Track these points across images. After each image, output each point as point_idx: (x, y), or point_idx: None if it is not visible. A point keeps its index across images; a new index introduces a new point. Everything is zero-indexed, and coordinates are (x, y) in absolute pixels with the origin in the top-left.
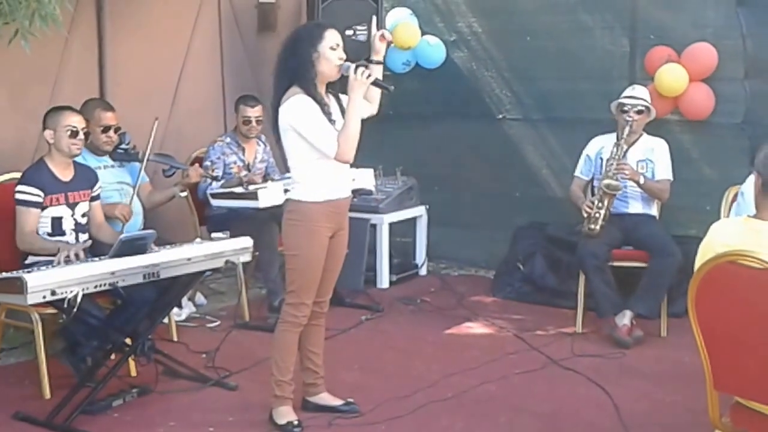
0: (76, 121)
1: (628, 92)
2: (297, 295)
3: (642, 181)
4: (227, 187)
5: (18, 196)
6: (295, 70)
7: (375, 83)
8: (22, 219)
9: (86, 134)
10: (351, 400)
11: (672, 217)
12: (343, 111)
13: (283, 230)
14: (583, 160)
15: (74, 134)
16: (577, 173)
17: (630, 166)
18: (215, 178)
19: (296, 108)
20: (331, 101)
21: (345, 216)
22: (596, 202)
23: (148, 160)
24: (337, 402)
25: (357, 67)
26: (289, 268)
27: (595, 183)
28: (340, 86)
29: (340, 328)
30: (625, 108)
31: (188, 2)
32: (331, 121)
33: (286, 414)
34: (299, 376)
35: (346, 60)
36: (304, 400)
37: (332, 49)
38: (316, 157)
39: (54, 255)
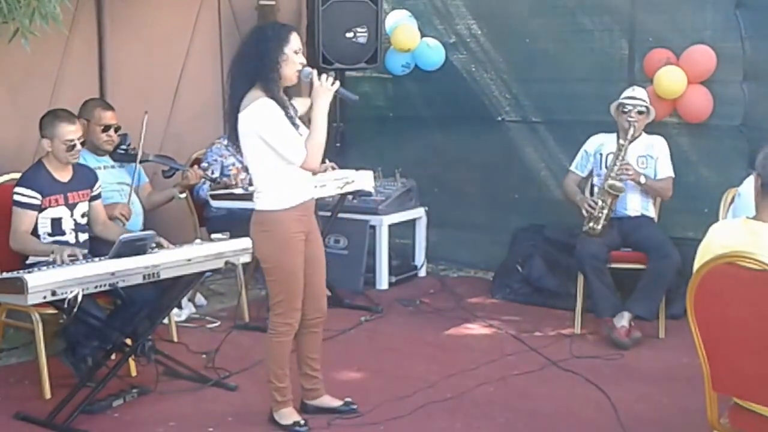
0: (73, 131)
1: (628, 93)
2: (287, 304)
3: (643, 181)
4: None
5: (15, 197)
6: (260, 71)
7: (339, 92)
8: (17, 220)
9: (83, 142)
10: (349, 399)
11: (670, 219)
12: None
13: (254, 243)
14: (581, 155)
15: (71, 147)
16: (572, 167)
17: (632, 166)
18: (214, 180)
19: (261, 113)
20: (291, 105)
21: (312, 218)
22: (600, 203)
23: (147, 160)
24: (336, 403)
25: (320, 73)
26: (270, 280)
27: (595, 180)
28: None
29: (340, 329)
30: (626, 108)
31: (188, 3)
32: (294, 126)
33: (290, 415)
34: (295, 376)
35: (305, 65)
36: (302, 402)
37: (296, 52)
38: (284, 162)
39: (47, 256)
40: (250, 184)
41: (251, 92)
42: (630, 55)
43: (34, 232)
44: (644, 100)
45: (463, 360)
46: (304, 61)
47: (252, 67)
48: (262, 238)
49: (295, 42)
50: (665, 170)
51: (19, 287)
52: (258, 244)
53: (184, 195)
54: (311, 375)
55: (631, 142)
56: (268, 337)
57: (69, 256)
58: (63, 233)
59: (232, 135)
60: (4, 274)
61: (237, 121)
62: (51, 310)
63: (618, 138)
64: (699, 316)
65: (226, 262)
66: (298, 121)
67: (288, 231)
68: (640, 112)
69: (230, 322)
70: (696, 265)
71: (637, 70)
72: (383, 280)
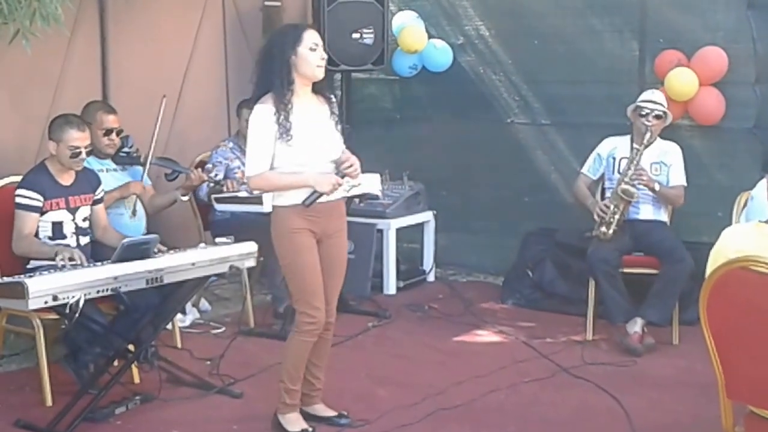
0: (80, 138)
1: (647, 96)
2: (305, 302)
3: (657, 188)
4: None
5: (17, 199)
6: (272, 75)
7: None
8: (20, 222)
9: (89, 152)
10: (344, 412)
11: (683, 223)
12: (332, 113)
13: (272, 240)
14: (593, 158)
15: (76, 154)
16: (584, 170)
17: (647, 172)
18: (218, 183)
19: (252, 116)
20: (316, 105)
21: (332, 221)
22: (612, 207)
23: (150, 163)
24: (330, 413)
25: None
26: (287, 278)
27: (607, 184)
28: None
29: (347, 335)
30: (644, 112)
31: (192, 4)
32: (288, 135)
33: (296, 421)
34: None
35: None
36: None
37: (311, 49)
38: (288, 163)
39: (51, 258)
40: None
41: (265, 96)
42: (641, 56)
43: (35, 236)
44: (663, 105)
45: (473, 367)
46: (325, 56)
47: (265, 73)
48: (273, 235)
49: (309, 38)
50: (678, 178)
51: (20, 292)
52: (273, 241)
53: (187, 198)
54: (311, 381)
55: (646, 147)
56: (291, 335)
57: (70, 260)
58: (64, 237)
59: None
60: (5, 279)
61: None
62: (52, 316)
63: (632, 141)
64: (712, 321)
65: (231, 267)
66: (294, 131)
67: (290, 226)
68: (657, 117)
69: (235, 328)
70: (708, 270)
71: (648, 72)
72: (391, 285)
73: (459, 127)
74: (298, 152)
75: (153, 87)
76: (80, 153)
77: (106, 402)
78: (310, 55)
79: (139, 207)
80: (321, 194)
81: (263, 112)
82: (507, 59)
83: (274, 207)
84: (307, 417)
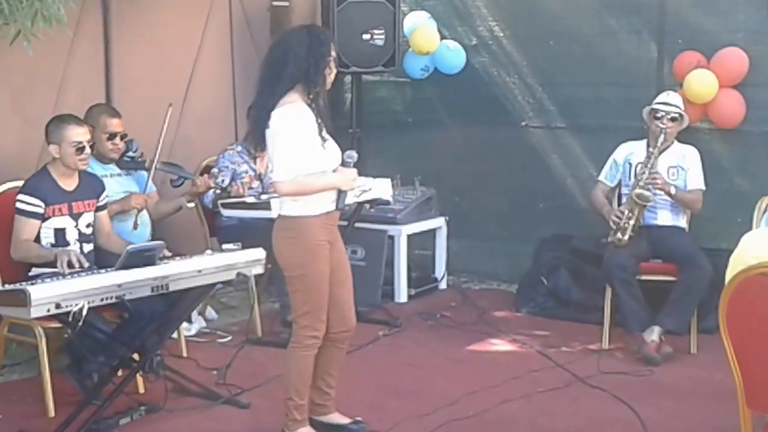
0: (81, 134)
1: (662, 98)
2: (312, 315)
3: (673, 191)
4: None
5: (18, 205)
6: (308, 73)
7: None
8: (19, 228)
9: (92, 146)
10: (359, 418)
11: (702, 229)
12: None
13: (278, 250)
14: (610, 165)
15: (80, 150)
16: (601, 178)
17: (662, 176)
18: (224, 189)
19: (288, 115)
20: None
21: (336, 227)
22: (626, 212)
23: (155, 169)
24: (345, 421)
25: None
26: (294, 290)
27: (623, 190)
28: None
29: (357, 344)
30: (659, 114)
31: (198, 4)
32: (324, 138)
33: None
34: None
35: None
36: (310, 418)
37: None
38: (319, 166)
39: (52, 261)
40: (263, 192)
41: (290, 94)
42: (659, 57)
43: (37, 242)
44: (678, 107)
45: (486, 376)
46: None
47: (301, 67)
48: (287, 245)
49: (333, 51)
50: (696, 182)
51: (22, 300)
52: (282, 252)
53: (192, 204)
54: (325, 391)
55: (662, 151)
56: (292, 351)
57: (69, 264)
58: (67, 244)
59: (258, 135)
60: (7, 286)
61: (266, 119)
62: (55, 324)
63: (648, 145)
64: (732, 329)
65: (238, 274)
66: (326, 134)
67: (315, 238)
68: (673, 119)
69: (242, 337)
70: (728, 277)
71: (667, 74)
72: (402, 293)
73: (472, 131)
74: (329, 154)
75: (158, 89)
76: (84, 148)
77: (111, 413)
78: (333, 65)
79: (141, 220)
80: (346, 193)
81: (301, 112)
82: (521, 61)
83: (294, 217)
84: (323, 426)
